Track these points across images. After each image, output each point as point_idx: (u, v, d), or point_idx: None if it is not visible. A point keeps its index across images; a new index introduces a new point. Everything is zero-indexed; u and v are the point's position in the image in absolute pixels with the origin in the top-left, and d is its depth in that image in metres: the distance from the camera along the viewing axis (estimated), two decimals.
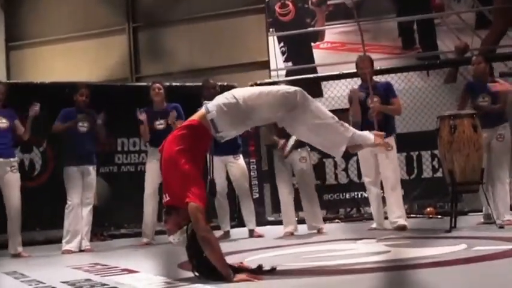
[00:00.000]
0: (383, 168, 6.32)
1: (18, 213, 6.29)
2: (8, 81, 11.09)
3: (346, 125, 3.90)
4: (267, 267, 3.66)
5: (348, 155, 7.44)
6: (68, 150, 6.55)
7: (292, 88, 3.85)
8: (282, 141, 6.49)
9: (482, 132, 5.91)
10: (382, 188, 6.50)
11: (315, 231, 6.62)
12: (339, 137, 3.86)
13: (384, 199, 6.52)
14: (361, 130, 6.03)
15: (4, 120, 6.32)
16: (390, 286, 3.09)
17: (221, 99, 3.76)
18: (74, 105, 6.63)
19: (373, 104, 6.20)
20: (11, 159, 6.33)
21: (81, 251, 6.42)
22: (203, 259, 3.54)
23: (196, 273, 3.61)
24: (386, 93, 6.40)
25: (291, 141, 6.42)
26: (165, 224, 3.75)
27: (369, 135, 4.01)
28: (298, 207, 6.97)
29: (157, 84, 6.96)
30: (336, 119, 3.86)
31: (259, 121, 4.05)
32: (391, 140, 6.26)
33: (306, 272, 3.88)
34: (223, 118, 3.69)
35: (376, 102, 6.24)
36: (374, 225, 6.57)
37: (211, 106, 3.72)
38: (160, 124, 6.77)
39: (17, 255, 6.22)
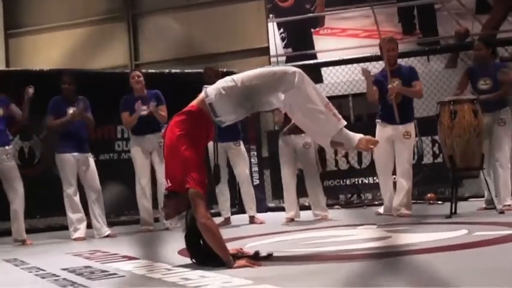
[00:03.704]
0: (398, 155, 6.23)
1: (22, 200, 6.25)
2: (6, 68, 11.10)
3: (340, 116, 3.82)
4: (263, 253, 3.66)
5: None
6: (60, 137, 6.52)
7: (292, 69, 3.79)
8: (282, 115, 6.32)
9: (484, 117, 5.90)
10: (394, 173, 6.43)
11: (319, 218, 6.62)
12: (329, 126, 3.78)
13: (394, 184, 6.48)
14: (381, 114, 6.25)
15: None
16: (390, 272, 3.09)
17: (220, 83, 3.74)
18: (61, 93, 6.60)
19: (392, 85, 6.12)
20: (6, 147, 6.26)
21: (105, 237, 6.42)
22: (201, 246, 3.54)
23: (194, 260, 3.61)
24: (410, 76, 6.28)
25: None
26: (164, 208, 3.76)
27: (354, 138, 3.86)
28: (301, 193, 6.95)
29: (137, 72, 7.07)
30: (330, 106, 3.78)
31: (259, 104, 3.90)
32: (411, 127, 6.21)
33: (306, 258, 3.88)
34: (222, 102, 3.67)
35: (396, 85, 6.16)
36: (381, 210, 6.55)
37: (210, 90, 3.71)
38: (143, 111, 6.77)
39: (22, 242, 6.20)
